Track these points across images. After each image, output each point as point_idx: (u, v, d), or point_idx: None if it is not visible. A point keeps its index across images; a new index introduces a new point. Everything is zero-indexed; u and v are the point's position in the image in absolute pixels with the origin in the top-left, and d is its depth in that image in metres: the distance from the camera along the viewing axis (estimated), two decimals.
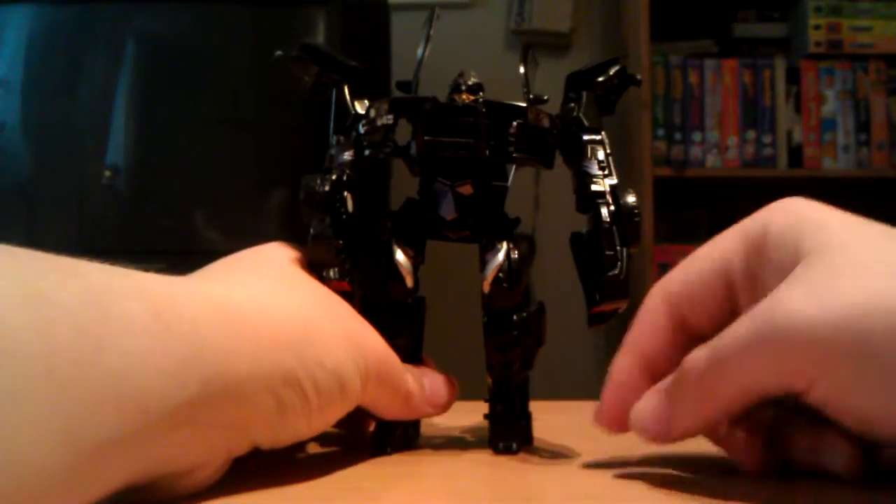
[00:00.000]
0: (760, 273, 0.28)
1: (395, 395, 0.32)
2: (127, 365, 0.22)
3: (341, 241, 0.32)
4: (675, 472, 0.29)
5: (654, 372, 0.30)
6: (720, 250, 0.30)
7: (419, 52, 0.37)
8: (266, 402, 0.26)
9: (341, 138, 0.35)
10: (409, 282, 0.33)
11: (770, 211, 0.29)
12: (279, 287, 0.30)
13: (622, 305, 0.32)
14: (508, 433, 0.34)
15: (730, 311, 0.29)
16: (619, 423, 0.30)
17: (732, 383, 0.26)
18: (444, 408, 0.34)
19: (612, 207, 0.32)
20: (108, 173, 1.29)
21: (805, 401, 0.25)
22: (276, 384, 0.26)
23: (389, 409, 0.32)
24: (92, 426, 0.20)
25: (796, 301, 0.24)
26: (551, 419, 0.36)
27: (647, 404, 0.29)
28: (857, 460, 0.26)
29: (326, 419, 0.29)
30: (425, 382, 0.33)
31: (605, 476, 0.29)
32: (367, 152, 0.34)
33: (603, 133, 0.35)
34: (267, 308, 0.28)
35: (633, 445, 0.30)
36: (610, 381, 0.31)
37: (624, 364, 0.31)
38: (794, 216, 0.28)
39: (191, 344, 0.24)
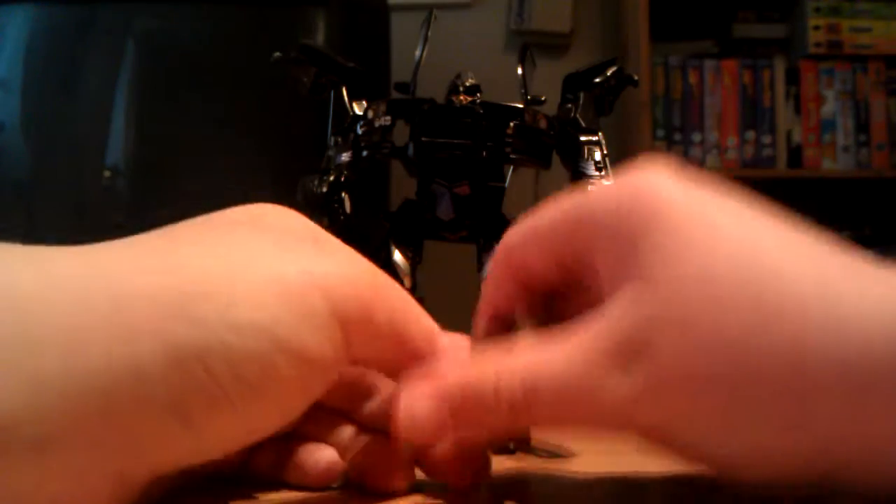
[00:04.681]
0: (586, 249, 0.24)
1: (399, 341, 0.24)
2: None
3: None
4: (673, 470, 0.29)
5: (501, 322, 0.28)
6: (554, 210, 0.25)
7: (417, 53, 0.37)
8: (144, 400, 0.19)
9: (339, 139, 0.35)
10: (407, 282, 0.34)
11: (600, 200, 0.24)
12: (167, 243, 0.22)
13: None
14: None
15: (555, 263, 0.26)
16: None
17: (546, 416, 0.23)
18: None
19: None
20: (107, 173, 1.29)
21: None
22: (155, 369, 0.19)
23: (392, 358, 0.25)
24: None
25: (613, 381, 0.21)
26: None
27: (426, 411, 0.24)
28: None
29: (272, 405, 0.21)
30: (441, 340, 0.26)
31: (603, 475, 0.29)
32: (364, 153, 0.34)
33: (600, 134, 0.35)
34: (127, 274, 0.20)
35: (631, 444, 0.30)
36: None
37: (479, 325, 0.28)
38: (623, 216, 0.23)
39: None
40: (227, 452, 0.21)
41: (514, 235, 0.27)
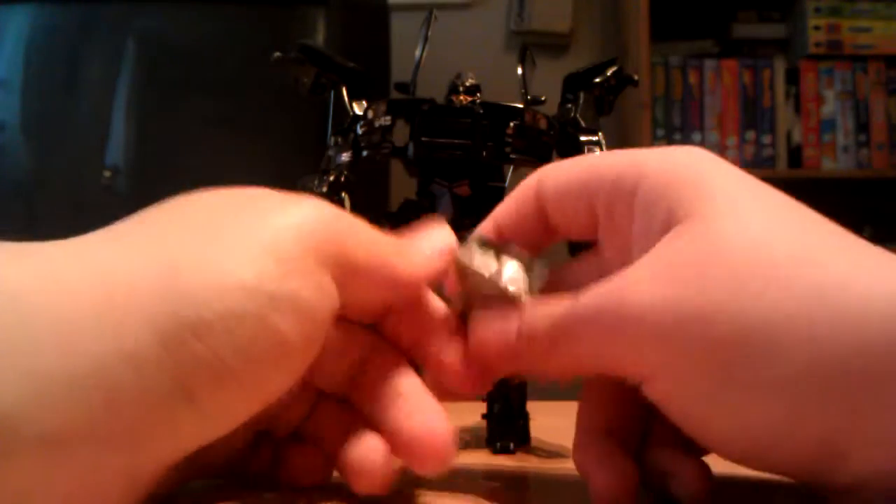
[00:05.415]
0: (623, 222, 0.25)
1: (380, 280, 0.24)
2: None
3: None
4: None
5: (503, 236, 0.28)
6: (601, 168, 0.26)
7: (417, 53, 0.37)
8: (146, 388, 0.18)
9: (339, 139, 0.35)
10: None
11: (648, 161, 0.25)
12: (136, 226, 0.22)
13: None
14: (506, 433, 0.34)
15: (589, 224, 0.26)
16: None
17: (570, 354, 0.23)
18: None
19: None
20: (107, 173, 1.29)
21: (642, 392, 0.23)
22: (150, 354, 0.18)
23: (379, 293, 0.25)
24: None
25: (645, 288, 0.22)
26: (548, 419, 0.36)
27: (501, 326, 0.24)
28: (702, 485, 0.25)
29: (275, 366, 0.20)
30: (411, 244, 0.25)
31: None
32: (364, 153, 0.34)
33: (600, 134, 0.35)
34: (113, 262, 0.20)
35: None
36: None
37: (483, 226, 0.28)
38: (671, 174, 0.24)
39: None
40: (234, 426, 0.21)
41: (554, 173, 0.27)
